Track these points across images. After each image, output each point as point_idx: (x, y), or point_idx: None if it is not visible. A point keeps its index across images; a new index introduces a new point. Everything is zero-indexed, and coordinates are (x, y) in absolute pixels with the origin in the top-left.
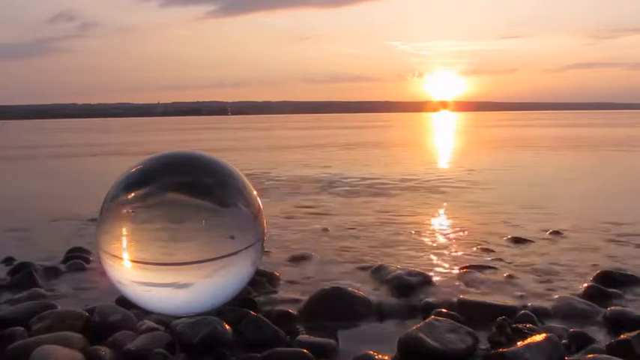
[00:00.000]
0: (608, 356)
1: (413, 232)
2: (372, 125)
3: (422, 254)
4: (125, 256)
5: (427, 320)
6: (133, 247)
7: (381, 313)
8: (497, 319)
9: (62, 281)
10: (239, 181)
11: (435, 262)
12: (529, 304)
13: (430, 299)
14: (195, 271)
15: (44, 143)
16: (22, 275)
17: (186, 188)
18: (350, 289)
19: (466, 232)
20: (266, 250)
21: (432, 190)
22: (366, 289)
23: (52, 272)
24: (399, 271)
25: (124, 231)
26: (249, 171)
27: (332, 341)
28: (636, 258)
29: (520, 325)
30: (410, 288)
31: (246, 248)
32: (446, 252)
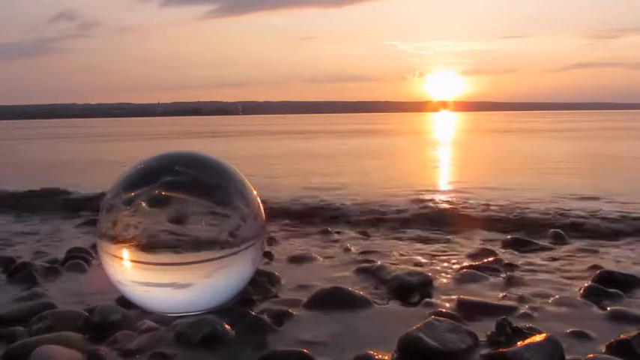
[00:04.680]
0: (608, 356)
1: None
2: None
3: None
4: (125, 256)
5: (427, 320)
6: (133, 247)
7: (381, 313)
8: (497, 319)
9: (62, 281)
10: (239, 180)
11: (435, 261)
12: (529, 304)
13: (430, 299)
14: (195, 271)
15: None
16: (22, 275)
17: (187, 188)
18: (350, 288)
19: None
20: (266, 250)
21: None
22: (366, 289)
23: (52, 272)
24: (399, 271)
25: (124, 231)
26: None
27: (332, 341)
28: (637, 257)
29: (520, 325)
30: (410, 288)
31: (246, 248)
32: (445, 251)
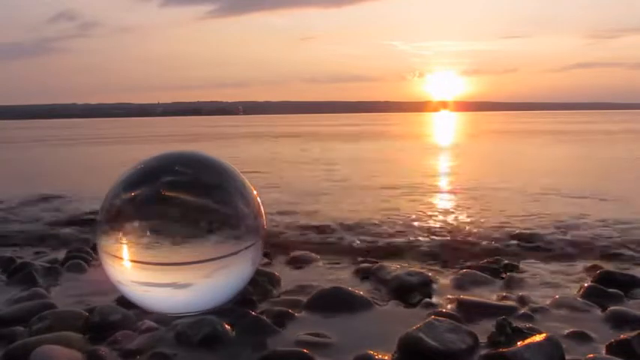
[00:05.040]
0: (608, 356)
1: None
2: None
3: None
4: (125, 256)
5: (427, 320)
6: (133, 247)
7: (381, 313)
8: (497, 319)
9: (62, 281)
10: (239, 180)
11: (435, 261)
12: (529, 304)
13: (430, 299)
14: (195, 271)
15: None
16: (22, 275)
17: (187, 188)
18: (350, 288)
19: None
20: (266, 250)
21: None
22: (366, 289)
23: (52, 272)
24: (399, 271)
25: (124, 231)
26: None
27: (332, 341)
28: (636, 257)
29: (520, 325)
30: (410, 288)
31: (246, 248)
32: (446, 251)
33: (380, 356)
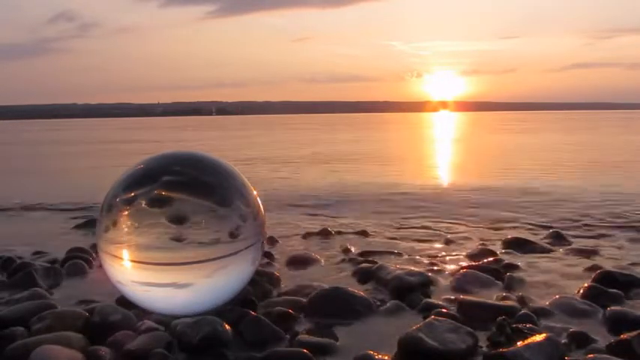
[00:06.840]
0: (608, 356)
1: None
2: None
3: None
4: (125, 256)
5: (427, 320)
6: (133, 247)
7: (381, 313)
8: (497, 319)
9: (62, 281)
10: (239, 180)
11: (435, 261)
12: (529, 304)
13: (430, 299)
14: (195, 271)
15: None
16: (22, 275)
17: (187, 188)
18: (350, 288)
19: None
20: (266, 250)
21: None
22: (366, 289)
23: (52, 272)
24: (399, 271)
25: (124, 231)
26: None
27: (332, 341)
28: (636, 257)
29: (520, 325)
30: (410, 288)
31: (246, 248)
32: (446, 251)
33: (380, 356)
